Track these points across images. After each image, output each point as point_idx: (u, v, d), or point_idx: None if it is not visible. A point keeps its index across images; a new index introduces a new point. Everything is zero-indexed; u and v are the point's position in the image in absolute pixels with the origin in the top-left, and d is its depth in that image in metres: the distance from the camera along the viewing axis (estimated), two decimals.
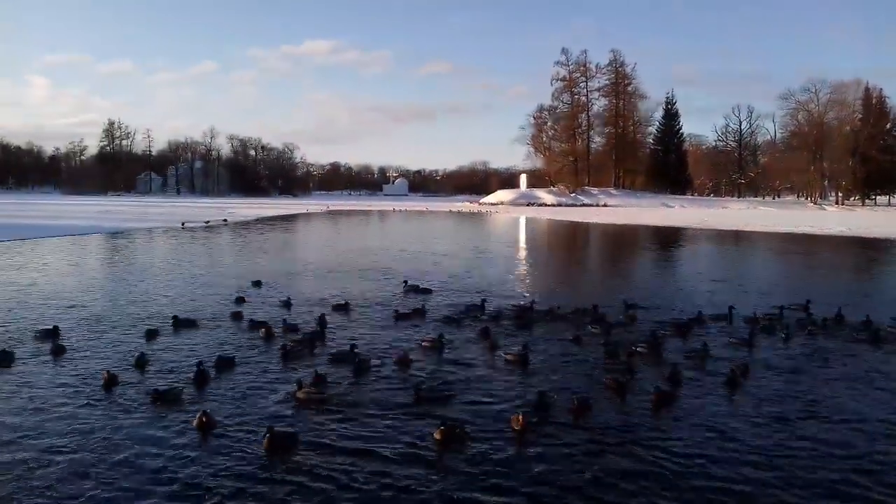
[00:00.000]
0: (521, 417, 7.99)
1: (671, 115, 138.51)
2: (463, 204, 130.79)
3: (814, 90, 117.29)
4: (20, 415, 8.47)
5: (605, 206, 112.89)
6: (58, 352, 11.38)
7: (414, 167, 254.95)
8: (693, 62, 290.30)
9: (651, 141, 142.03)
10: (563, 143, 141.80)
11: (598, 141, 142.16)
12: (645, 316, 15.60)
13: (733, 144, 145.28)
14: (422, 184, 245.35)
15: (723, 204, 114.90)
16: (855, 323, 14.37)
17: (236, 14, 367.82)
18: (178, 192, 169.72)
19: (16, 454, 7.23)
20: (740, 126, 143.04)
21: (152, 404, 8.86)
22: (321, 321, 13.85)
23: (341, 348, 11.75)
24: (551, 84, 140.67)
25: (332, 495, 6.43)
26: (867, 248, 38.83)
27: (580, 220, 71.18)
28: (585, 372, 10.84)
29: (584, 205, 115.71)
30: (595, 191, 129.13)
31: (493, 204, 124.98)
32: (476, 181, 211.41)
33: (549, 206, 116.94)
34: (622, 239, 47.37)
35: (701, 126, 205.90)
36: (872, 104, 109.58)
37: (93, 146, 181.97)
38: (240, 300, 16.90)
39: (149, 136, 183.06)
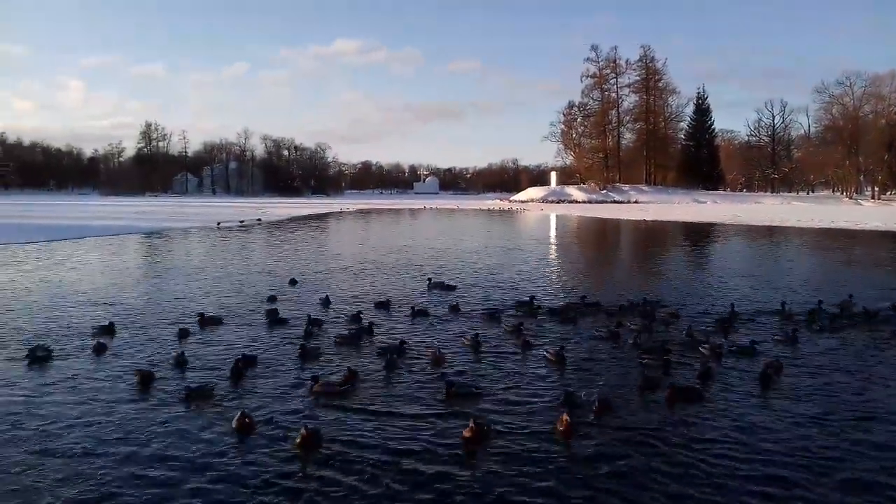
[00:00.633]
0: (565, 418, 7.90)
1: (702, 111, 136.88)
2: (493, 202, 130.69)
3: (848, 83, 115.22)
4: (59, 407, 8.80)
5: (636, 202, 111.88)
6: (100, 349, 11.69)
7: (444, 165, 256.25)
8: (724, 56, 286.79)
9: (682, 136, 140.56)
10: (593, 139, 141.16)
11: (628, 137, 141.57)
12: (686, 312, 15.64)
13: (766, 139, 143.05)
14: (452, 182, 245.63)
15: (756, 199, 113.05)
16: None
17: (265, 15, 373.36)
18: (214, 193, 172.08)
19: (58, 445, 7.53)
20: (773, 120, 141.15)
21: (185, 402, 9.11)
22: (356, 318, 14.32)
23: (382, 343, 12.11)
24: (581, 80, 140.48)
25: (362, 492, 6.55)
26: None
27: (611, 217, 70.75)
28: (622, 370, 10.80)
29: (614, 201, 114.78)
30: (626, 187, 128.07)
31: (523, 201, 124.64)
32: (506, 179, 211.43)
33: (579, 202, 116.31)
34: (654, 235, 46.96)
35: (733, 121, 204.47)
36: None
37: (130, 148, 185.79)
38: (272, 299, 17.18)
39: (184, 138, 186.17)
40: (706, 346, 11.76)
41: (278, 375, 10.43)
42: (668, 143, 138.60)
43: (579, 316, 15.04)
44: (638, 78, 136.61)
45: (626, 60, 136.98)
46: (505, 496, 6.47)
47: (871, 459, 7.31)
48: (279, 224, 56.95)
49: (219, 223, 54.09)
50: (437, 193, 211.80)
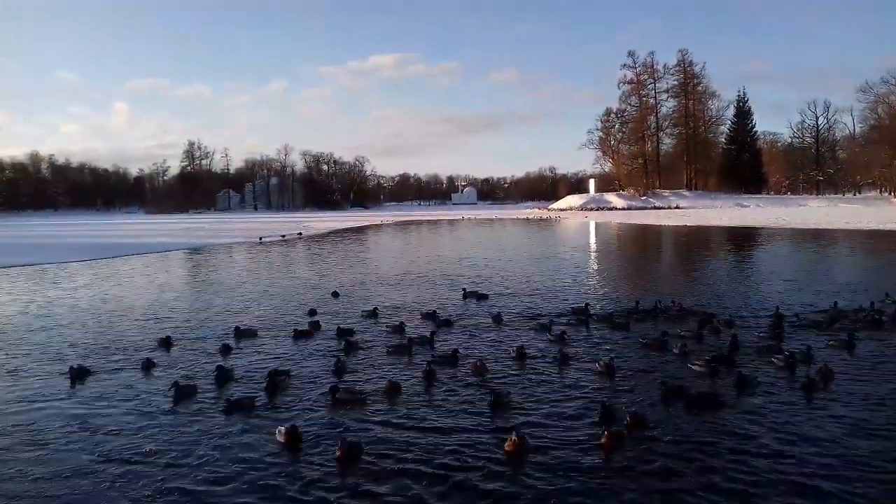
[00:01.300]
0: (606, 433, 7.75)
1: (743, 113, 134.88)
2: (531, 210, 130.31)
3: (893, 82, 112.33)
4: (115, 417, 8.99)
5: (677, 207, 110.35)
6: (148, 366, 11.83)
7: (482, 176, 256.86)
8: (764, 57, 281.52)
9: (723, 140, 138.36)
10: (631, 145, 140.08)
11: (667, 142, 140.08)
12: (745, 319, 15.48)
13: (810, 140, 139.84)
14: (490, 192, 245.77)
15: (800, 202, 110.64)
16: None
17: (302, 33, 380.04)
18: (256, 208, 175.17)
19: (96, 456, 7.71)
20: (817, 121, 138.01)
21: (226, 413, 9.24)
22: (398, 328, 14.56)
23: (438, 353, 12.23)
24: (618, 87, 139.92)
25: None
26: None
27: (651, 223, 69.83)
28: (673, 382, 10.25)
29: (655, 207, 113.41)
30: (666, 192, 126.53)
31: (561, 209, 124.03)
32: (544, 187, 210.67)
33: (619, 209, 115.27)
34: (697, 240, 46.10)
35: (775, 123, 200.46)
36: None
37: (174, 166, 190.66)
38: (312, 312, 17.27)
39: (226, 156, 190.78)
40: (779, 357, 11.28)
41: (315, 387, 10.48)
42: (709, 147, 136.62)
43: (632, 322, 14.97)
44: (676, 83, 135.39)
45: (664, 65, 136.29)
46: None
47: None
48: (320, 238, 57.59)
49: (261, 238, 54.95)
50: (475, 204, 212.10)
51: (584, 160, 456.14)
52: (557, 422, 8.71)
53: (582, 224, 76.03)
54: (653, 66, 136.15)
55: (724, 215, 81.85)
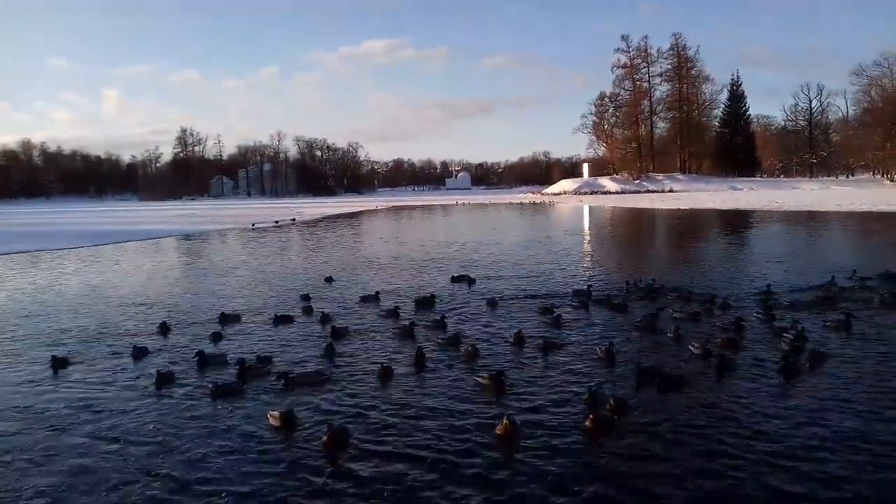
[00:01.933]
0: (591, 416, 7.78)
1: (737, 97, 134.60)
2: (525, 195, 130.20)
3: (887, 65, 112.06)
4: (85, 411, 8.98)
5: (670, 191, 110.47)
6: (138, 355, 11.68)
7: (476, 160, 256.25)
8: (758, 41, 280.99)
9: (717, 124, 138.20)
10: (625, 129, 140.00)
11: (661, 126, 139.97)
12: (739, 296, 15.75)
13: (803, 123, 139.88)
14: (484, 177, 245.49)
15: (793, 185, 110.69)
16: None
17: (294, 19, 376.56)
18: (249, 195, 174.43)
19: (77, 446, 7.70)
20: (810, 104, 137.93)
21: (212, 398, 9.23)
22: (392, 313, 14.59)
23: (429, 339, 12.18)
24: (612, 71, 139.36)
25: (391, 489, 6.50)
26: None
27: (645, 207, 69.93)
28: (675, 366, 10.26)
29: (648, 191, 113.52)
30: (660, 176, 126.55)
31: (555, 194, 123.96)
32: (538, 172, 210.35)
33: (612, 193, 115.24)
34: (691, 224, 46.18)
35: (768, 106, 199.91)
36: None
37: (167, 153, 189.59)
38: (305, 297, 17.18)
39: (219, 142, 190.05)
40: (789, 333, 11.33)
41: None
42: (703, 130, 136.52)
43: (630, 303, 15.14)
44: (670, 67, 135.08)
45: (658, 49, 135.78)
46: (535, 492, 6.38)
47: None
48: (313, 223, 57.50)
49: (254, 224, 54.85)
50: (469, 189, 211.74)
51: (577, 144, 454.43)
52: (549, 406, 8.69)
53: (576, 208, 76.02)
54: (646, 50, 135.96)
55: (717, 198, 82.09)
